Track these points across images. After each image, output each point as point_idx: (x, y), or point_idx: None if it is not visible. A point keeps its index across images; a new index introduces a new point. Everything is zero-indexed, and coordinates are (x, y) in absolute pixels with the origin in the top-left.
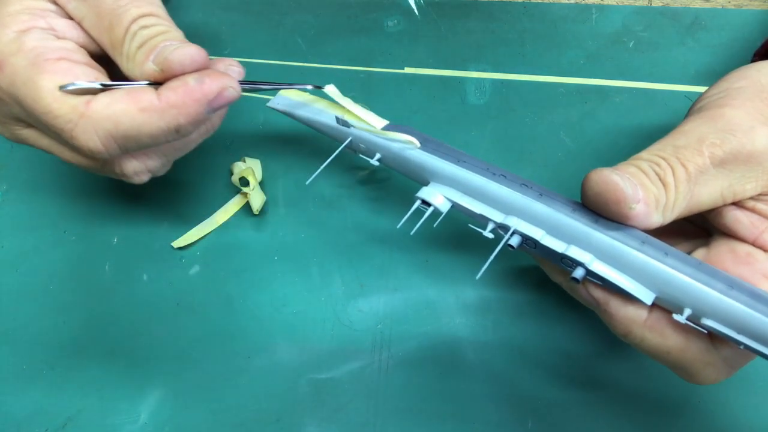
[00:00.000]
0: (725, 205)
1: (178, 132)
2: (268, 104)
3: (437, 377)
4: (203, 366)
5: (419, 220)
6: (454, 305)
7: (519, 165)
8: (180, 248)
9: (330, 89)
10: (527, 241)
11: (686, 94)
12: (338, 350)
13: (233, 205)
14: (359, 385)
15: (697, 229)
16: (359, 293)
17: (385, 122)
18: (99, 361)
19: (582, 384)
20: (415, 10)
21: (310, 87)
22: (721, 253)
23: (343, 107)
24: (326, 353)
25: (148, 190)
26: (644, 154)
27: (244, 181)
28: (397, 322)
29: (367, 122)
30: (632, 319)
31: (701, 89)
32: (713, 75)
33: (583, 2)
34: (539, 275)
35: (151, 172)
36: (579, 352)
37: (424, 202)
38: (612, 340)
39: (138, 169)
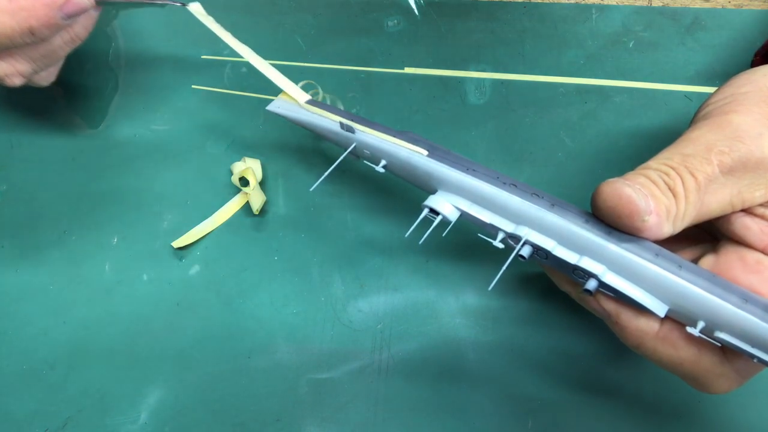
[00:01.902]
0: (734, 212)
1: (33, 34)
2: (268, 107)
3: (437, 377)
4: (203, 366)
5: (423, 227)
6: (454, 305)
7: (519, 165)
8: (180, 248)
9: (194, 7)
10: (538, 251)
11: (686, 94)
12: (338, 350)
13: (233, 205)
14: (359, 385)
15: (702, 233)
16: (359, 293)
17: (307, 96)
18: (99, 361)
19: (582, 384)
20: (415, 10)
21: (178, 4)
22: (730, 261)
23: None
24: (326, 353)
25: (148, 190)
26: (652, 163)
27: (244, 181)
28: (397, 322)
29: (267, 73)
30: (644, 331)
31: (701, 89)
32: (713, 75)
33: (583, 2)
34: (538, 276)
35: (23, 77)
36: (579, 352)
37: (432, 210)
38: (613, 342)
39: (8, 71)
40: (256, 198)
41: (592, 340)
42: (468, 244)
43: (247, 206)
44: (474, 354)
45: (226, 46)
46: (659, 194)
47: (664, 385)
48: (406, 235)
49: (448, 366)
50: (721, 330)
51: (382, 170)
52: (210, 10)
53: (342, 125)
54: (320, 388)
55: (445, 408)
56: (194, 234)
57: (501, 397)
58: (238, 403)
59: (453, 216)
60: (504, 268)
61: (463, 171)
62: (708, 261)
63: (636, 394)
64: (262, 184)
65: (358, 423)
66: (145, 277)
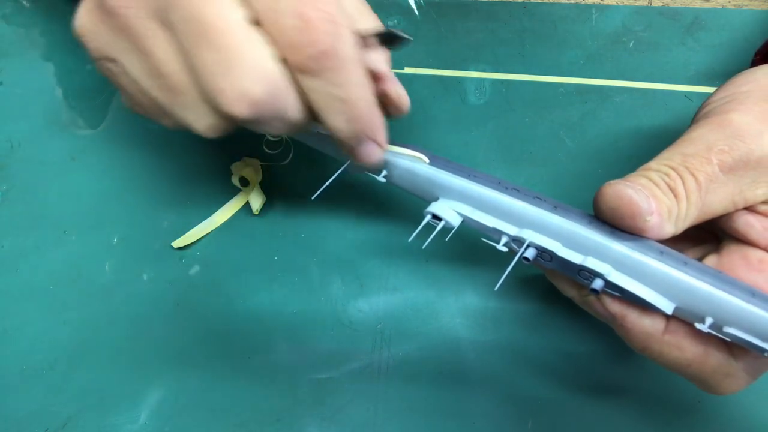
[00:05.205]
0: (736, 210)
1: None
2: None
3: (437, 377)
4: (203, 366)
5: (425, 232)
6: (454, 305)
7: (519, 165)
8: (180, 248)
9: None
10: (543, 253)
11: (686, 94)
12: (338, 350)
13: (233, 205)
14: (359, 385)
15: (705, 234)
16: (359, 293)
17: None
18: (99, 360)
19: (582, 384)
20: (415, 10)
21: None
22: (733, 260)
23: None
24: (326, 353)
25: (148, 190)
26: (653, 164)
27: (244, 181)
28: (397, 322)
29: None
30: (649, 332)
31: (701, 89)
32: (713, 75)
33: (583, 2)
34: (538, 277)
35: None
36: (579, 351)
37: (434, 216)
38: (613, 342)
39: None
40: (256, 198)
41: (592, 340)
42: (468, 245)
43: (247, 206)
44: (474, 354)
45: None
46: (660, 195)
47: (664, 385)
48: (409, 241)
49: (448, 366)
50: (730, 325)
51: (383, 180)
52: None
53: None
54: (320, 388)
55: (445, 408)
56: (194, 234)
57: (501, 398)
58: (238, 403)
59: (455, 221)
60: (509, 269)
61: (465, 177)
62: (711, 261)
63: (636, 393)
64: (262, 184)
65: (358, 423)
66: (145, 277)
